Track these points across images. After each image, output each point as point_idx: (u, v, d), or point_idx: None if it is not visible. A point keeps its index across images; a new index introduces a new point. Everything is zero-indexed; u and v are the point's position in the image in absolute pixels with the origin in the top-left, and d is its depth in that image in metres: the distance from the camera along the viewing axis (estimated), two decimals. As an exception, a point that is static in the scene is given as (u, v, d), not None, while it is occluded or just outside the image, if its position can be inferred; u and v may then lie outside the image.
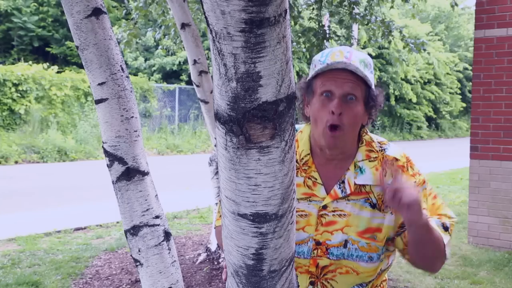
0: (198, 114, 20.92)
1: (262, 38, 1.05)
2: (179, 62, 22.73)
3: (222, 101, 1.13)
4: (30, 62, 16.99)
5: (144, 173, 1.80)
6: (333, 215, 1.66)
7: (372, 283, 1.72)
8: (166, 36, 7.54)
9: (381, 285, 1.80)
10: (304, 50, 7.08)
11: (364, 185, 1.67)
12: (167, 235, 1.79)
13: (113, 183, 1.81)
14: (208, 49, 21.17)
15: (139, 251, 1.78)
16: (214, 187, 5.41)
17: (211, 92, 4.67)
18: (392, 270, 5.22)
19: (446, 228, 1.69)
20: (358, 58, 1.63)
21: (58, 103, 16.26)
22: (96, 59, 1.73)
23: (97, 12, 1.70)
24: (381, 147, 1.73)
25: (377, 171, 1.67)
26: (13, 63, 17.89)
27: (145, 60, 23.74)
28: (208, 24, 1.07)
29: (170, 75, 23.75)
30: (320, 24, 6.79)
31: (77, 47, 1.75)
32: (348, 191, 1.66)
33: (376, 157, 1.70)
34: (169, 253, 1.77)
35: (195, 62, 4.55)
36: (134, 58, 21.98)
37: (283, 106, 1.13)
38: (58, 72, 17.00)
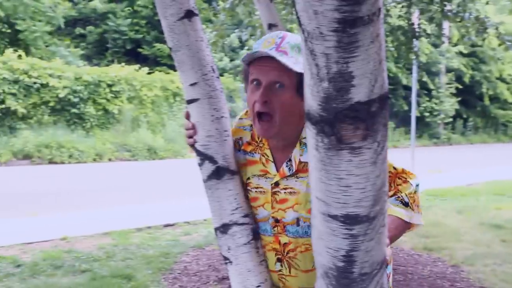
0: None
1: (355, 38, 1.03)
2: (265, 62, 22.82)
3: (313, 101, 1.13)
4: (123, 64, 17.69)
5: (234, 172, 1.82)
6: (285, 192, 1.71)
7: None
8: (253, 37, 7.61)
9: None
10: (392, 49, 6.93)
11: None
12: (255, 234, 1.80)
13: (203, 182, 1.85)
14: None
15: (228, 249, 1.80)
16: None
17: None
18: (487, 278, 5.02)
19: (406, 204, 1.69)
20: (289, 44, 1.63)
21: (148, 103, 16.83)
22: (188, 60, 1.77)
23: (189, 14, 1.74)
24: None
25: None
26: (107, 65, 18.68)
27: (230, 60, 24.08)
28: (300, 24, 1.07)
29: (256, 75, 23.89)
30: (409, 22, 6.62)
31: (170, 48, 1.80)
32: (294, 169, 1.69)
33: None
34: (257, 252, 1.78)
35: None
36: (219, 59, 22.36)
37: (376, 107, 1.10)
38: (148, 73, 17.60)
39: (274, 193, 1.74)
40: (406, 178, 1.71)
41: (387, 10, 6.81)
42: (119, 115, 15.92)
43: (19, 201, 8.33)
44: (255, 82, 1.66)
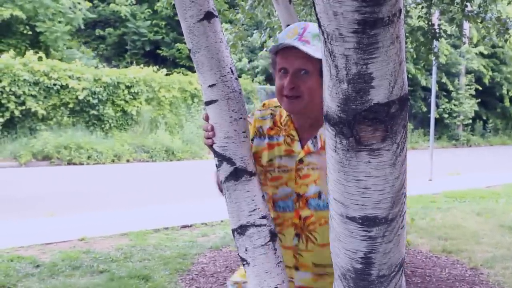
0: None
1: (375, 39, 1.03)
2: (283, 63, 22.80)
3: (332, 102, 1.13)
4: (142, 65, 17.81)
5: (252, 174, 1.82)
6: (308, 168, 1.85)
7: None
8: (271, 38, 7.61)
9: None
10: (411, 50, 6.89)
11: None
12: (273, 235, 1.80)
13: (221, 183, 1.85)
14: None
15: (246, 250, 1.80)
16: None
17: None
18: (507, 281, 4.96)
19: None
20: (311, 34, 1.79)
21: (167, 104, 16.91)
22: (207, 62, 1.78)
23: (209, 16, 1.75)
24: None
25: None
26: (126, 67, 18.82)
27: (249, 61, 24.11)
28: (320, 26, 1.06)
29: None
30: (429, 23, 6.57)
31: (189, 50, 1.81)
32: (319, 146, 1.83)
33: None
34: (275, 253, 1.78)
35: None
36: (238, 59, 22.41)
37: (395, 108, 1.10)
38: (167, 75, 17.68)
39: (298, 170, 1.86)
40: None
41: (407, 11, 6.77)
42: (138, 116, 16.02)
43: (39, 201, 8.42)
44: (282, 71, 1.82)
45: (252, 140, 1.98)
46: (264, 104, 2.03)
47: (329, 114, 1.14)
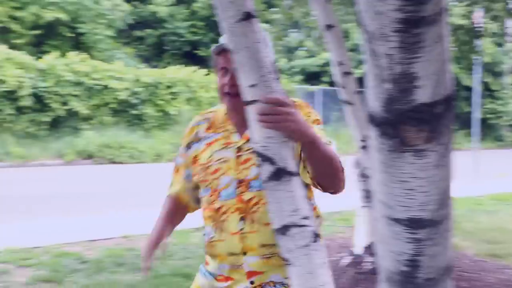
0: (340, 116, 20.79)
1: (419, 38, 1.01)
2: (322, 63, 22.73)
3: (375, 103, 1.11)
4: (180, 66, 17.97)
5: (293, 174, 1.81)
6: (248, 153, 1.97)
7: None
8: (309, 38, 7.58)
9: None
10: (454, 48, 6.75)
11: None
12: (316, 236, 1.79)
13: (263, 183, 1.86)
14: (352, 50, 20.98)
15: (288, 250, 1.80)
16: (359, 189, 5.34)
17: (356, 93, 4.61)
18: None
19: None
20: None
21: (205, 104, 17.03)
22: (247, 62, 1.78)
23: (248, 16, 1.75)
24: None
25: None
26: (164, 67, 19.05)
27: (287, 61, 24.07)
28: (362, 25, 1.05)
29: (312, 77, 23.85)
30: (472, 21, 6.43)
31: (230, 50, 1.82)
32: None
33: None
34: (318, 254, 1.77)
35: (339, 63, 4.52)
36: (275, 59, 22.39)
37: (440, 108, 1.08)
38: (205, 75, 17.81)
39: (238, 157, 1.98)
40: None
41: (450, 10, 6.62)
42: (177, 116, 16.18)
43: (83, 199, 8.59)
44: (223, 70, 1.96)
45: (189, 148, 2.12)
46: (200, 114, 2.20)
47: (373, 114, 1.13)
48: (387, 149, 1.12)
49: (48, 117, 14.20)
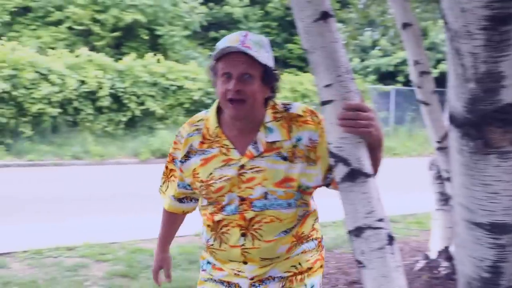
0: (415, 116, 20.32)
1: (507, 36, 0.98)
2: (396, 63, 22.30)
3: (458, 103, 1.08)
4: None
5: (368, 175, 1.79)
6: (251, 172, 1.91)
7: (296, 230, 1.99)
8: (384, 37, 7.46)
9: (311, 235, 2.08)
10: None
11: (274, 142, 1.92)
12: (391, 239, 1.76)
13: (334, 182, 1.84)
14: (429, 49, 20.46)
15: (362, 252, 1.77)
16: (434, 192, 5.20)
17: (433, 93, 4.49)
18: None
19: None
20: (252, 41, 1.86)
21: (276, 104, 17.07)
22: (323, 62, 1.77)
23: (325, 15, 1.74)
24: (284, 107, 1.98)
25: (283, 128, 1.93)
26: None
27: (361, 61, 23.77)
28: (445, 23, 1.02)
29: (386, 76, 23.44)
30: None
31: (305, 50, 1.81)
32: (261, 149, 1.91)
33: (281, 116, 1.95)
34: (392, 257, 1.74)
35: (415, 62, 4.42)
36: (349, 59, 22.16)
37: (528, 109, 1.03)
38: (277, 75, 17.83)
39: (240, 175, 1.92)
40: None
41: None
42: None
43: (158, 198, 8.80)
44: (225, 75, 1.86)
45: (188, 159, 2.01)
46: (188, 123, 2.07)
47: (454, 114, 1.10)
48: (469, 151, 1.09)
49: (125, 117, 14.67)
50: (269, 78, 1.92)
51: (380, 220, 1.76)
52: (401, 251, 5.87)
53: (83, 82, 13.87)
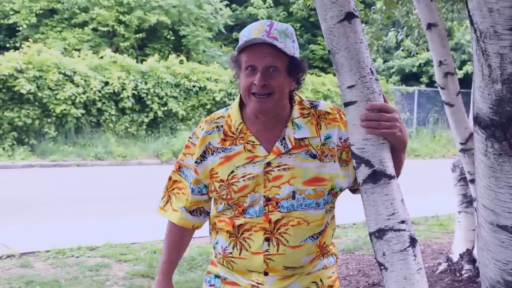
0: (438, 117, 20.14)
1: (534, 36, 0.96)
2: (420, 64, 22.13)
3: (483, 104, 1.07)
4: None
5: (391, 177, 1.77)
6: (278, 170, 1.80)
7: (321, 241, 1.87)
8: (408, 37, 7.40)
9: (330, 249, 1.96)
10: None
11: (302, 139, 1.83)
12: (413, 241, 1.74)
13: (359, 185, 1.83)
14: (454, 49, 20.25)
15: (383, 254, 1.76)
16: (457, 194, 5.15)
17: (457, 94, 4.44)
18: None
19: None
20: (277, 31, 1.75)
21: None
22: (346, 63, 1.76)
23: (349, 16, 1.73)
24: (311, 103, 1.91)
25: (312, 125, 1.84)
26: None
27: (384, 61, 23.62)
28: (472, 23, 1.01)
29: (409, 77, 23.27)
30: None
31: (329, 51, 1.80)
32: (290, 146, 1.81)
33: (308, 113, 1.87)
34: (414, 259, 1.72)
35: (440, 63, 4.38)
36: (373, 60, 22.04)
37: (555, 110, 1.01)
38: (300, 76, 17.82)
39: (266, 173, 1.80)
40: None
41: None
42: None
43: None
44: (249, 68, 1.76)
45: (204, 159, 1.87)
46: (205, 121, 1.94)
47: (480, 116, 1.08)
48: (494, 153, 1.07)
49: (147, 118, 14.78)
50: (295, 70, 1.82)
51: (403, 222, 1.75)
52: (422, 253, 5.84)
53: (106, 83, 14.01)
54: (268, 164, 1.80)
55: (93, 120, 14.00)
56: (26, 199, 8.20)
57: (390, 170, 1.79)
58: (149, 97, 14.69)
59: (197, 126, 1.97)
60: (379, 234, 1.77)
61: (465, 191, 5.07)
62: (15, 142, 12.68)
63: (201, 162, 1.88)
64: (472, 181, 4.48)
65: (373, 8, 6.20)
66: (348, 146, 1.83)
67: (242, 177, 1.81)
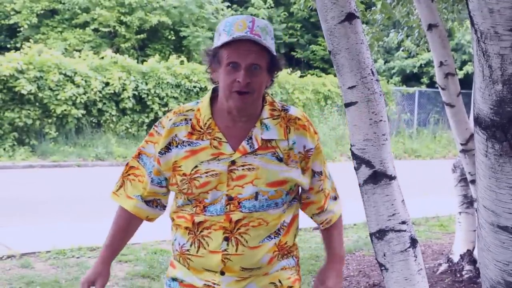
0: (438, 118, 20.13)
1: (535, 36, 0.96)
2: (420, 64, 22.13)
3: (484, 105, 1.07)
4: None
5: (391, 177, 1.78)
6: (243, 169, 1.76)
7: (280, 239, 1.83)
8: (409, 38, 7.40)
9: (291, 250, 1.91)
10: None
11: (270, 140, 1.80)
12: (413, 242, 1.75)
13: (359, 186, 1.84)
14: (454, 50, 20.25)
15: (384, 255, 1.77)
16: (458, 195, 5.15)
17: (458, 95, 4.44)
18: None
19: (335, 198, 1.94)
20: (259, 27, 1.72)
21: (300, 106, 17.05)
22: (347, 63, 1.77)
23: (350, 17, 1.74)
24: (282, 107, 1.87)
25: (281, 128, 1.81)
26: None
27: (385, 62, 23.62)
28: (472, 24, 1.01)
29: (410, 78, 23.27)
30: None
31: (329, 51, 1.81)
32: (256, 146, 1.78)
33: (279, 115, 1.83)
34: (415, 260, 1.73)
35: (441, 64, 4.38)
36: (373, 61, 22.01)
37: (556, 111, 1.01)
38: (300, 77, 17.84)
39: (230, 171, 1.77)
40: (324, 173, 1.92)
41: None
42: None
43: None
44: (231, 65, 1.71)
45: (168, 151, 1.82)
46: (174, 112, 1.89)
47: (480, 116, 1.08)
48: (494, 153, 1.07)
49: (148, 118, 14.78)
50: (274, 67, 1.80)
51: (403, 222, 1.75)
52: (423, 254, 5.83)
53: (107, 84, 14.00)
54: (233, 162, 1.77)
55: (93, 120, 13.99)
56: (27, 200, 8.20)
57: (391, 170, 1.80)
58: (149, 97, 14.68)
59: (164, 116, 1.92)
60: (379, 234, 1.78)
61: (465, 191, 5.07)
62: (15, 143, 12.67)
63: (165, 154, 1.83)
64: (473, 181, 4.48)
65: (373, 9, 6.20)
66: (309, 157, 1.84)
67: (205, 173, 1.77)
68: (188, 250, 1.82)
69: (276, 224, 1.82)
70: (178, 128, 1.82)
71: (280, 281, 1.87)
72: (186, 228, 1.82)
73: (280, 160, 1.79)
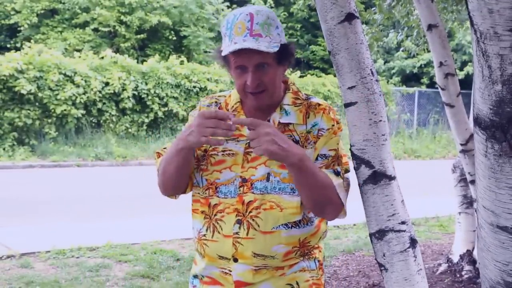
0: (438, 118, 20.14)
1: (534, 37, 0.96)
2: (420, 64, 22.14)
3: (484, 105, 1.07)
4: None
5: (391, 178, 1.78)
6: None
7: (303, 234, 1.79)
8: (409, 38, 7.40)
9: (313, 253, 1.88)
10: None
11: (287, 124, 1.82)
12: (413, 242, 1.75)
13: (359, 186, 1.83)
14: (454, 50, 20.25)
15: (383, 255, 1.76)
16: (457, 195, 5.15)
17: (458, 95, 4.44)
18: None
19: (337, 173, 1.81)
20: (259, 24, 1.71)
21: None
22: (347, 63, 1.77)
23: (350, 17, 1.73)
24: (307, 96, 1.90)
25: (300, 113, 1.83)
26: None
27: (384, 62, 23.63)
28: (472, 24, 1.01)
29: (410, 78, 23.28)
30: None
31: (329, 52, 1.80)
32: None
33: (301, 103, 1.86)
34: (415, 260, 1.73)
35: (441, 64, 4.38)
36: (373, 61, 22.00)
37: (555, 111, 1.01)
38: (300, 77, 17.84)
39: (246, 153, 1.80)
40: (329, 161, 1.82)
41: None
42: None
43: (180, 199, 8.85)
44: (239, 68, 1.75)
45: None
46: (207, 97, 1.99)
47: (480, 117, 1.08)
48: (494, 154, 1.08)
49: (148, 118, 14.78)
50: (285, 57, 1.80)
51: (403, 223, 1.75)
52: (422, 254, 5.84)
53: (107, 84, 14.01)
54: (250, 144, 1.74)
55: (93, 120, 14.00)
56: (27, 200, 8.20)
57: (391, 171, 1.79)
58: (149, 97, 14.69)
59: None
60: (379, 235, 1.77)
61: (465, 192, 5.07)
62: (15, 143, 12.68)
63: None
64: (473, 182, 4.48)
65: (371, 10, 6.20)
66: (319, 137, 1.82)
67: (223, 151, 1.82)
68: (204, 235, 1.83)
69: (295, 214, 1.78)
70: (208, 109, 1.89)
71: (297, 283, 1.83)
72: (203, 212, 1.84)
73: (296, 142, 1.78)
